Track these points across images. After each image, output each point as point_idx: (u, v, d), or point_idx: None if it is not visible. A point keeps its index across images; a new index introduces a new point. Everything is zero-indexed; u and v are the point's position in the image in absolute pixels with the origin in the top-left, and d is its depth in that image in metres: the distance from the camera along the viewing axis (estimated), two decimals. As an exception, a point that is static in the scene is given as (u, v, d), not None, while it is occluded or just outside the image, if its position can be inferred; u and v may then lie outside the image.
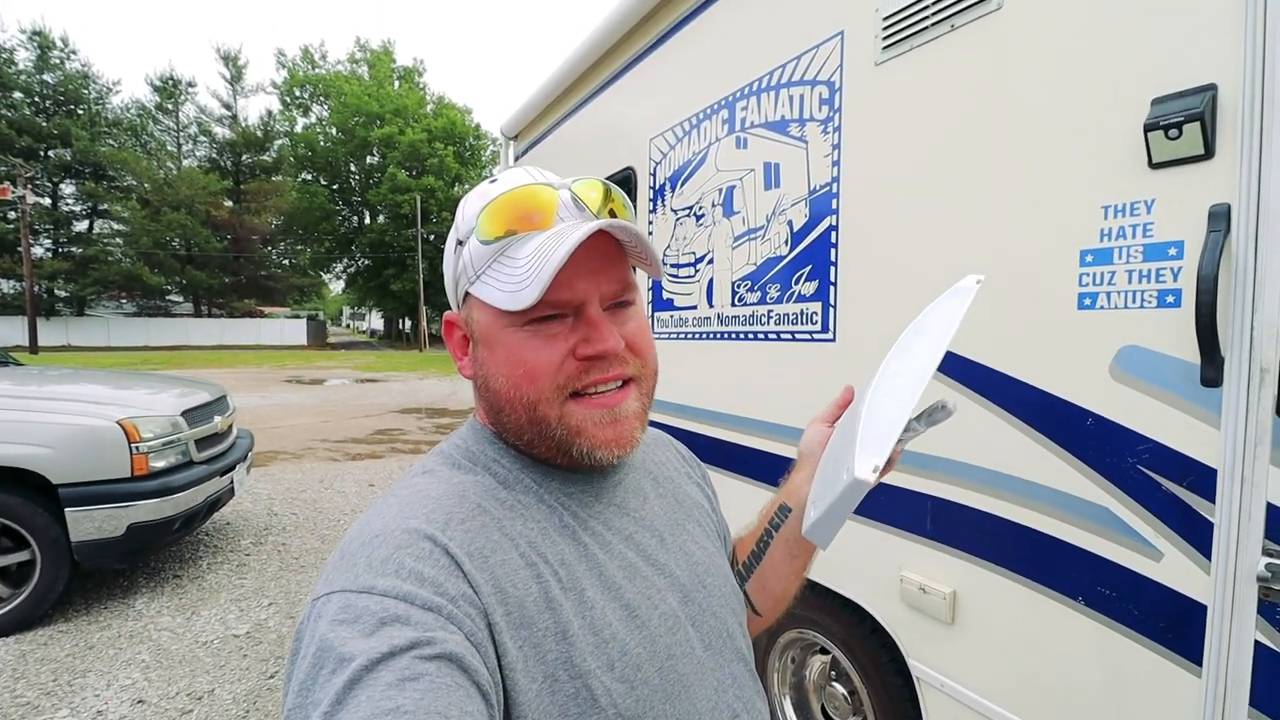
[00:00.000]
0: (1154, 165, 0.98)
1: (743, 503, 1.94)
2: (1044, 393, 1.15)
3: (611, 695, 0.52)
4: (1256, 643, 0.89)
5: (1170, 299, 0.97)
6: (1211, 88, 0.92)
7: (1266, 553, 0.88)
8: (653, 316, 2.40)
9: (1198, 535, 0.96)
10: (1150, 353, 1.00)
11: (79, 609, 3.33)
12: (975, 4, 1.24)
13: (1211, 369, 0.91)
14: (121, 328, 35.60)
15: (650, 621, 0.59)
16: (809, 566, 0.83)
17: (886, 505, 1.47)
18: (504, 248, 0.56)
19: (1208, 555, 0.94)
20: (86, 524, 3.10)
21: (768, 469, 1.84)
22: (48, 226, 36.17)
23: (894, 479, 1.44)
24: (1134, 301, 1.02)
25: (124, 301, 38.57)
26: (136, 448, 3.22)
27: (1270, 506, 0.87)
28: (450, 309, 0.66)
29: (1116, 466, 1.05)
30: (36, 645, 2.95)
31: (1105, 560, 1.08)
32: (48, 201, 35.92)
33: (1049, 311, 1.14)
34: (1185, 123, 0.93)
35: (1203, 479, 0.94)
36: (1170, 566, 0.99)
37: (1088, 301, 1.08)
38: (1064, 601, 1.14)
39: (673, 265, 2.27)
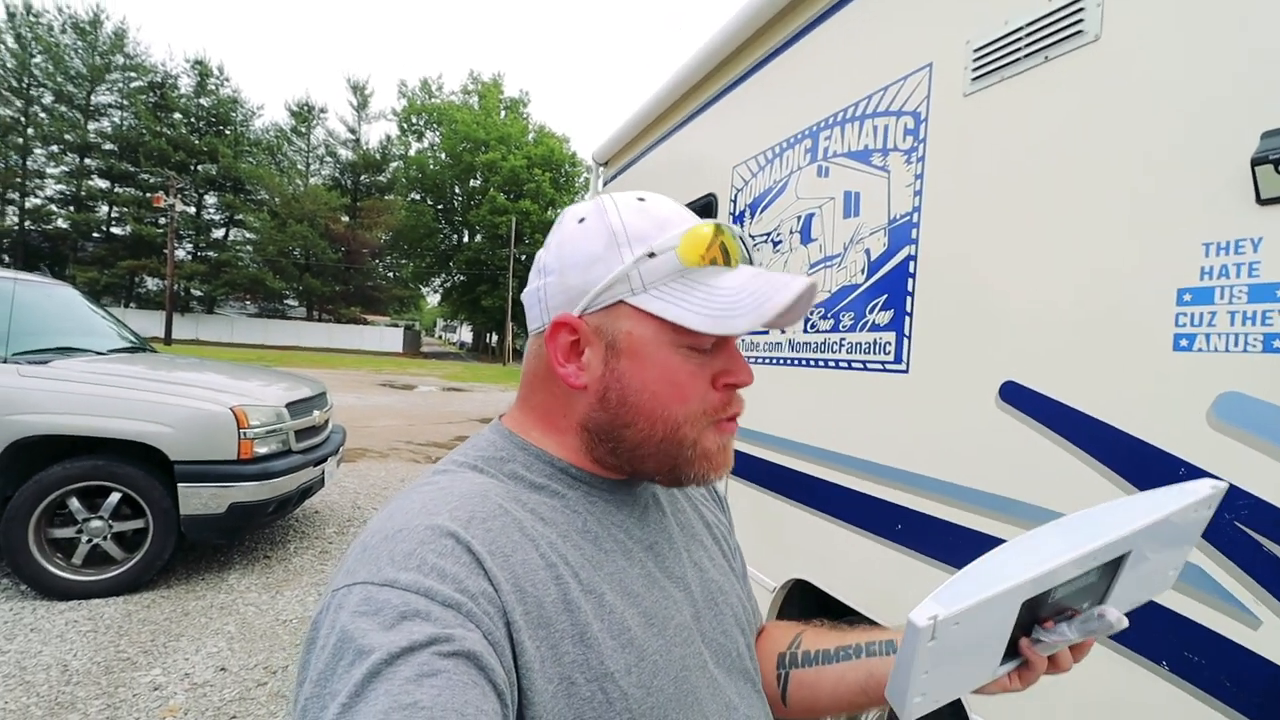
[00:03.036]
0: (1262, 201, 0.91)
1: (803, 531, 1.91)
2: (1134, 438, 1.08)
3: (628, 699, 0.53)
4: (1371, 733, 0.79)
5: (1277, 344, 0.90)
6: (1331, 119, 0.86)
7: (1385, 631, 0.79)
8: (725, 340, 2.41)
9: (1302, 604, 0.86)
10: (1253, 400, 0.92)
11: (180, 578, 3.64)
12: (1071, 35, 1.21)
13: (1323, 421, 0.83)
14: (243, 326, 38.97)
15: (667, 631, 0.59)
16: (864, 715, 0.77)
17: (955, 546, 1.40)
18: (703, 275, 0.58)
19: (1313, 628, 0.85)
20: (194, 499, 3.40)
21: (829, 500, 1.79)
22: (190, 233, 40.29)
23: (962, 519, 1.38)
24: (1236, 345, 0.94)
25: (247, 303, 42.30)
26: (244, 433, 3.52)
27: (1391, 579, 0.78)
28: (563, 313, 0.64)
29: (1213, 525, 0.96)
30: (141, 607, 3.26)
31: (1196, 624, 0.98)
32: (193, 210, 40.03)
33: (1142, 352, 1.07)
34: (1299, 156, 0.86)
35: (1309, 542, 0.86)
36: (1270, 635, 0.90)
37: (1184, 343, 1.01)
38: (1148, 666, 1.04)
39: (748, 290, 2.27)
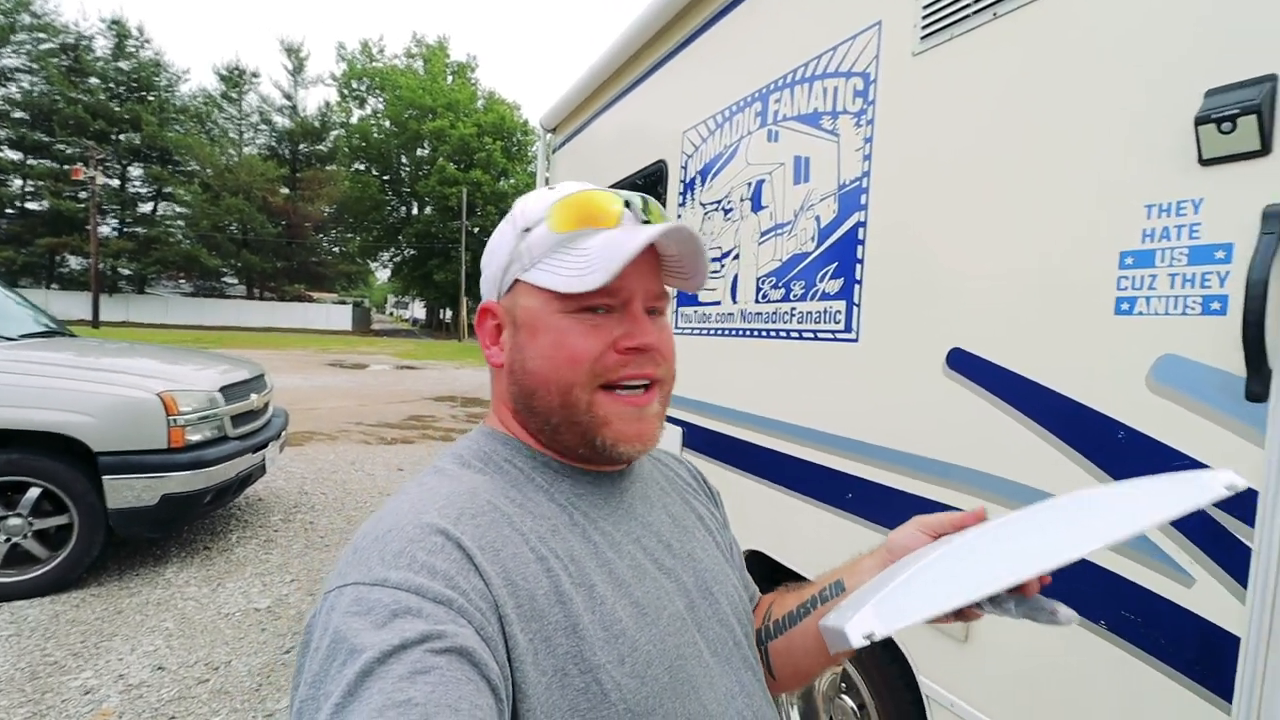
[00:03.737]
0: (1204, 161, 0.91)
1: (756, 503, 1.90)
2: (1074, 402, 1.08)
3: (622, 690, 0.53)
4: (1295, 682, 0.82)
5: (1215, 306, 0.90)
6: (1271, 79, 0.85)
7: (1311, 585, 0.80)
8: (676, 311, 2.37)
9: (1234, 561, 0.88)
10: (1191, 363, 0.92)
11: (112, 574, 3.46)
12: (1019, -10, 1.18)
13: (1257, 382, 0.84)
14: (178, 307, 37.11)
15: (659, 620, 0.59)
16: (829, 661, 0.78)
17: (905, 514, 1.41)
18: (573, 239, 0.60)
19: (1244, 583, 0.86)
20: (123, 492, 3.21)
21: (782, 471, 1.79)
22: (115, 207, 37.93)
23: (912, 487, 1.38)
24: (1175, 307, 0.94)
25: (182, 281, 40.26)
26: (174, 420, 3.32)
27: (1318, 535, 0.80)
28: (486, 299, 0.69)
29: (1149, 484, 0.98)
30: (69, 607, 3.08)
31: (1132, 584, 1.00)
32: (116, 183, 37.58)
33: (1084, 316, 1.07)
34: (1240, 115, 0.85)
35: (1242, 500, 0.87)
36: (1202, 594, 0.92)
37: (1125, 306, 1.01)
38: (1085, 623, 1.06)
39: (698, 260, 2.23)
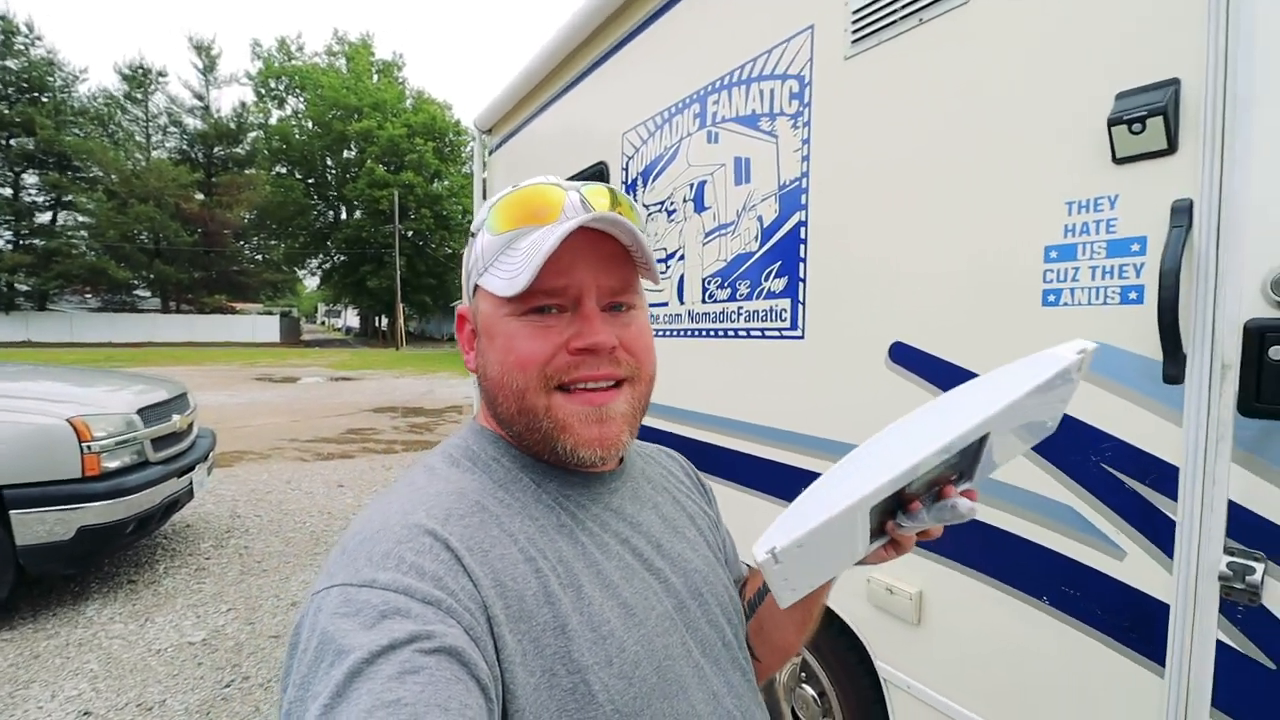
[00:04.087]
0: (1118, 160, 0.97)
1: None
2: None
3: (609, 691, 0.53)
4: (1218, 642, 0.88)
5: (1133, 295, 0.96)
6: (1174, 82, 0.91)
7: (1228, 551, 0.87)
8: (623, 313, 2.36)
9: (1160, 534, 0.95)
10: (1114, 350, 0.98)
11: (25, 617, 3.18)
12: (943, -3, 1.23)
13: (1173, 366, 0.90)
14: (85, 323, 34.53)
15: (647, 621, 0.59)
16: (813, 620, 0.76)
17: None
18: (511, 240, 0.59)
19: (1170, 554, 0.93)
20: (34, 527, 2.96)
21: (735, 468, 1.81)
22: (8, 218, 34.96)
23: (861, 478, 1.42)
24: (1097, 298, 1.01)
25: (88, 296, 37.43)
26: (88, 447, 3.09)
27: (1231, 504, 0.87)
28: (462, 304, 0.69)
29: (1079, 465, 1.04)
30: (-22, 653, 2.82)
31: (1069, 559, 1.06)
32: (9, 192, 34.75)
33: (1014, 308, 1.12)
34: (1148, 117, 0.91)
35: (1165, 477, 0.93)
36: (1133, 565, 0.98)
37: (1052, 298, 1.07)
38: (1028, 601, 1.12)
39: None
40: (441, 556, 0.49)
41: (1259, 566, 0.85)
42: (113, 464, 3.19)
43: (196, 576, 3.73)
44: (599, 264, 0.60)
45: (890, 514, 0.58)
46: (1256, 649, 0.86)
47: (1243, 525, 0.86)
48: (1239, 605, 0.87)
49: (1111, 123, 0.96)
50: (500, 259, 0.59)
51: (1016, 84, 1.12)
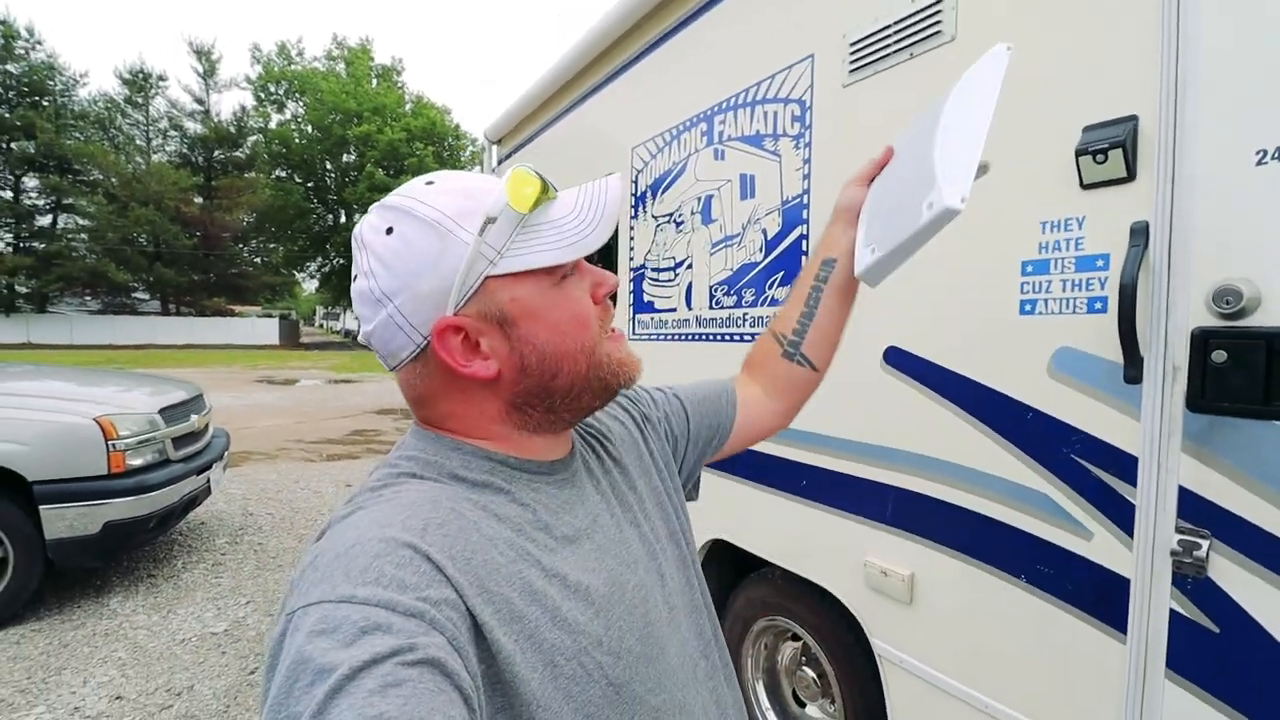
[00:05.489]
0: (1084, 186, 1.10)
1: (717, 495, 2.04)
2: (990, 389, 1.26)
3: (603, 668, 0.57)
4: (1171, 610, 1.00)
5: (1098, 305, 1.09)
6: (1133, 118, 1.04)
7: (1179, 530, 0.99)
8: (633, 319, 2.49)
9: (1122, 516, 1.07)
10: (1081, 354, 1.11)
11: (52, 608, 3.30)
12: (932, 35, 1.36)
13: (1132, 368, 1.02)
14: (85, 325, 34.59)
15: (627, 594, 0.63)
16: (850, 315, 0.93)
17: (852, 495, 1.57)
18: (541, 212, 0.60)
19: (1130, 534, 1.05)
20: (61, 522, 3.08)
21: (740, 464, 1.93)
22: (9, 221, 35.06)
23: (858, 471, 1.55)
24: (1067, 308, 1.13)
25: (88, 298, 37.46)
26: (113, 445, 3.21)
27: (1182, 489, 0.99)
28: (443, 317, 0.61)
29: (1053, 456, 1.17)
30: (9, 644, 2.93)
31: (1043, 541, 1.19)
32: (10, 195, 34.83)
33: (995, 316, 1.25)
34: (1110, 149, 1.04)
35: (1126, 466, 1.06)
36: (1099, 545, 1.11)
37: (1028, 307, 1.19)
38: (1008, 579, 1.25)
39: (653, 269, 2.36)
40: (423, 569, 0.49)
41: (1205, 543, 0.97)
42: (136, 461, 3.31)
43: (214, 571, 3.85)
44: None
45: None
46: (1203, 615, 0.98)
47: (1192, 507, 0.98)
48: (1188, 578, 0.99)
49: (1079, 153, 1.09)
50: (527, 235, 0.60)
51: (997, 115, 1.24)
